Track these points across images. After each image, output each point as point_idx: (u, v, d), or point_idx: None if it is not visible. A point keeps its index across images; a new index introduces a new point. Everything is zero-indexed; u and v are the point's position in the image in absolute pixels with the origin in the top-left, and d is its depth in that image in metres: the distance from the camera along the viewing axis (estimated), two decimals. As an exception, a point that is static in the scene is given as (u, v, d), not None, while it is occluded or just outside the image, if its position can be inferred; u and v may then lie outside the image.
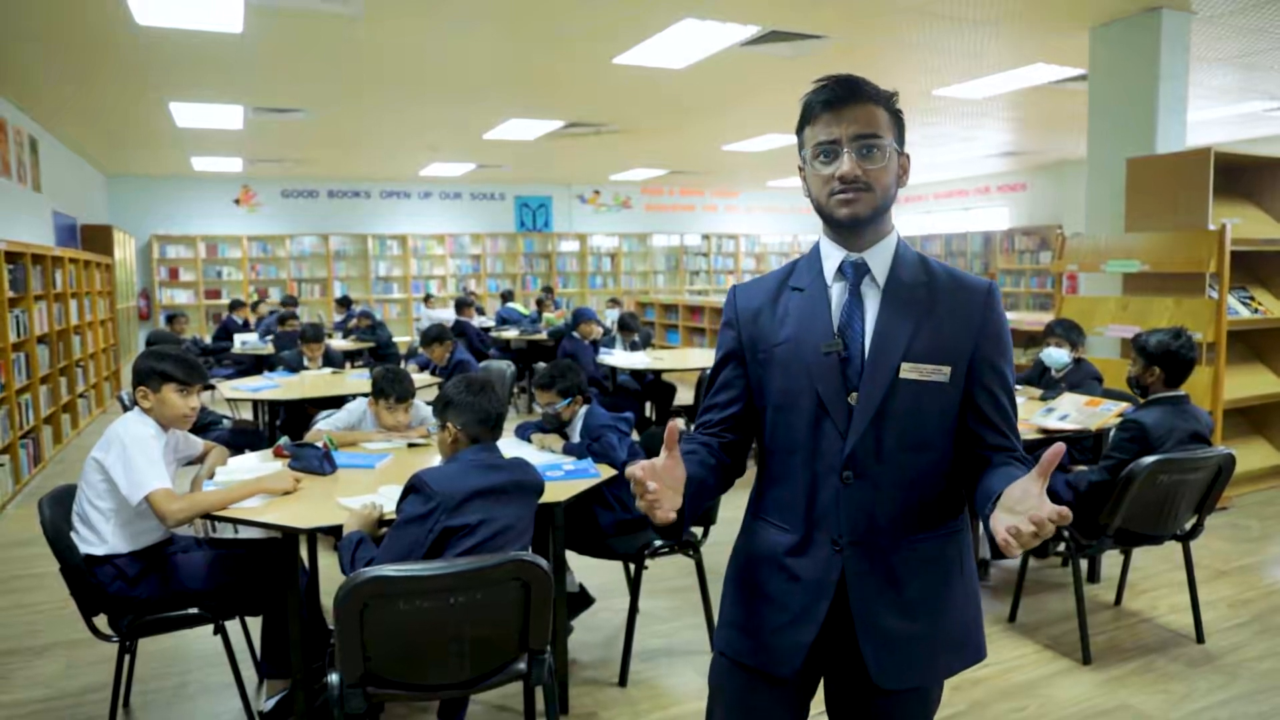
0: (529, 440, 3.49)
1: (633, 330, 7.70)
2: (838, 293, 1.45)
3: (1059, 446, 1.14)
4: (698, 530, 3.28)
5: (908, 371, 1.38)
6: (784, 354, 1.46)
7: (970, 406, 1.43)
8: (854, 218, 1.39)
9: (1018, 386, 4.46)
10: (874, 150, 1.37)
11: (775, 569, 1.49)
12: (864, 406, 1.39)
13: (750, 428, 1.55)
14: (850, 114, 1.37)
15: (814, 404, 1.41)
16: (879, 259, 1.44)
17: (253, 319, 10.23)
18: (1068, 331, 4.40)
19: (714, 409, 1.56)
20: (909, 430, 1.40)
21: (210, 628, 2.66)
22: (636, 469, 1.27)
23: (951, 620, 1.48)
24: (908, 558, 1.43)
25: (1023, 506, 1.18)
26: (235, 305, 10.45)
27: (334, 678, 2.06)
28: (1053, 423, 3.65)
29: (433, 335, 5.96)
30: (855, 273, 1.44)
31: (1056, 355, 4.38)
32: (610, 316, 9.88)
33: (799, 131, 1.45)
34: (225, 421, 5.39)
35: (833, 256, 1.46)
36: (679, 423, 1.34)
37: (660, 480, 1.29)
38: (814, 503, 1.44)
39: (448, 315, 10.72)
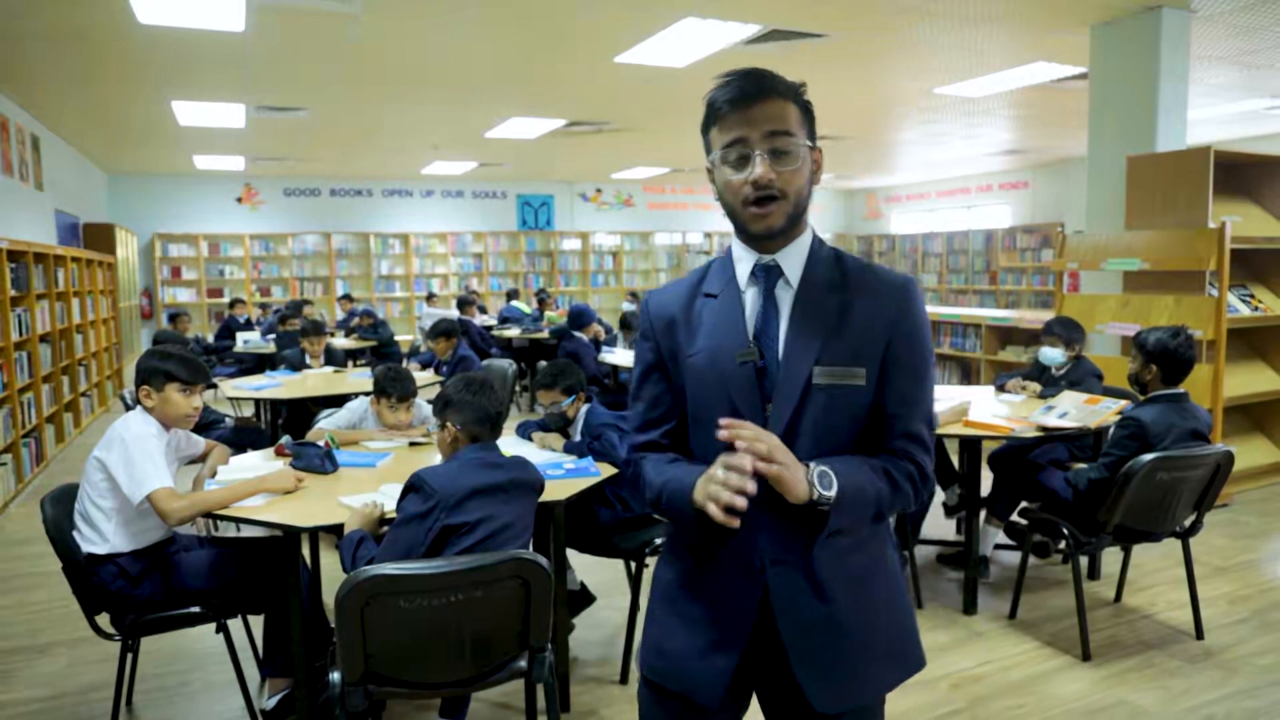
0: (529, 439, 3.50)
1: (635, 329, 7.69)
2: (751, 298, 1.39)
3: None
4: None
5: (821, 377, 1.33)
6: (699, 364, 1.39)
7: (876, 404, 1.37)
8: (769, 229, 1.34)
9: (1020, 382, 4.48)
10: (787, 152, 1.31)
11: (695, 592, 1.42)
12: (778, 417, 1.33)
13: None
14: (760, 112, 1.30)
15: (730, 416, 1.31)
16: (792, 261, 1.38)
17: (258, 316, 10.25)
18: (1067, 330, 4.40)
19: (651, 427, 1.48)
20: (825, 438, 1.34)
21: (212, 626, 2.68)
22: (744, 460, 1.22)
23: (884, 624, 1.41)
24: (832, 567, 1.35)
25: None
26: (236, 303, 10.47)
27: (335, 676, 2.07)
28: (1052, 420, 3.65)
29: (441, 329, 5.97)
30: (768, 277, 1.38)
31: (1051, 354, 4.38)
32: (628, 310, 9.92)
33: (704, 132, 1.37)
34: (227, 420, 5.40)
35: (745, 260, 1.41)
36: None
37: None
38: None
39: (450, 314, 10.73)
